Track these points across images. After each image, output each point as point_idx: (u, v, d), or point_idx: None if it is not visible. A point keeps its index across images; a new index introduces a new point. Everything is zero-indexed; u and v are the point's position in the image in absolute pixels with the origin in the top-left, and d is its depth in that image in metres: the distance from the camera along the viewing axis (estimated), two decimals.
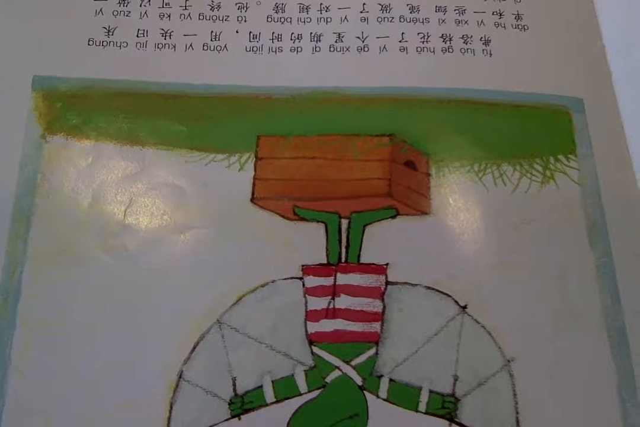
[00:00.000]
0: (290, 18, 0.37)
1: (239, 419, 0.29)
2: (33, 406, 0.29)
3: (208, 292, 0.31)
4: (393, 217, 0.33)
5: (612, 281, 0.32)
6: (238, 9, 0.37)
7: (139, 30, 0.36)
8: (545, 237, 0.33)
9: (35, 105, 0.34)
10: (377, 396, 0.30)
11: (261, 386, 0.30)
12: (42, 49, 0.35)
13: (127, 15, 0.36)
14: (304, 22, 0.37)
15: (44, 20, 0.36)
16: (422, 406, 0.29)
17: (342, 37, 0.36)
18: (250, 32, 0.36)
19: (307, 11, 0.37)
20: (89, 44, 0.36)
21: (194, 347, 0.30)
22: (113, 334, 0.30)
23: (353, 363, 0.30)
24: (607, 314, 0.31)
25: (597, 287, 0.32)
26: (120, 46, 0.36)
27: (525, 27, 0.37)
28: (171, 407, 0.29)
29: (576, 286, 0.32)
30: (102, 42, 0.36)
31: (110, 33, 0.36)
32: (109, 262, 0.31)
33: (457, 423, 0.29)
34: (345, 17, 0.37)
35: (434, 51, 0.36)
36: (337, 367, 0.30)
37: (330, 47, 0.36)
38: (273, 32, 0.36)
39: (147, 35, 0.36)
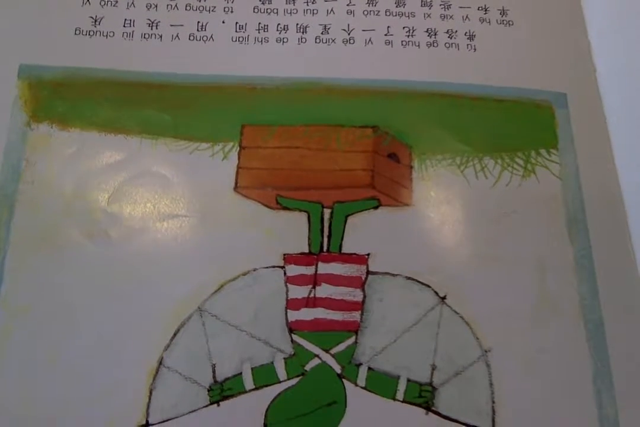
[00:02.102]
0: (277, 9, 0.37)
1: (218, 405, 0.29)
2: (14, 390, 0.29)
3: (190, 280, 0.31)
4: (375, 208, 0.33)
5: (590, 273, 0.32)
6: None
7: (125, 20, 0.36)
8: (525, 230, 0.33)
9: (21, 94, 0.34)
10: (356, 384, 0.30)
11: (240, 373, 0.30)
12: (28, 37, 0.35)
13: (114, 5, 0.36)
14: (290, 13, 0.37)
15: (31, 10, 0.36)
16: (400, 395, 0.30)
17: (328, 29, 0.36)
18: (237, 23, 0.36)
19: (294, 3, 0.37)
20: (75, 34, 0.36)
21: (175, 334, 0.30)
22: (95, 321, 0.30)
23: (332, 351, 0.30)
24: (585, 306, 0.32)
25: (575, 280, 0.32)
26: (106, 36, 0.36)
27: (510, 22, 0.38)
28: (150, 393, 0.29)
29: (555, 278, 0.32)
30: (89, 31, 0.36)
31: (97, 23, 0.36)
32: (91, 249, 0.32)
33: (433, 412, 0.29)
34: (332, 10, 0.37)
35: (418, 45, 0.36)
36: (317, 356, 0.30)
37: (316, 39, 0.36)
38: (259, 23, 0.36)
39: (133, 26, 0.36)
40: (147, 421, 0.29)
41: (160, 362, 0.30)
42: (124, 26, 0.36)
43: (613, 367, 0.30)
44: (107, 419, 0.29)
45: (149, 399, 0.29)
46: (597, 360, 0.31)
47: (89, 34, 0.36)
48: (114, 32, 0.36)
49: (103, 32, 0.36)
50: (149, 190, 0.33)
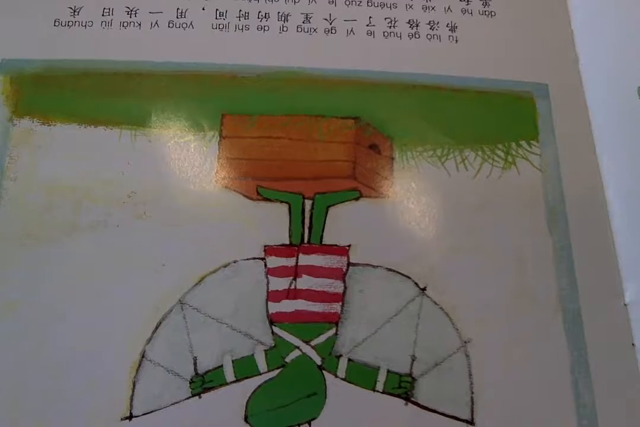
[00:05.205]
0: None
1: (200, 397, 0.29)
2: None
3: (170, 273, 0.31)
4: (356, 199, 0.33)
5: (569, 264, 0.32)
6: None
7: (104, 8, 0.36)
8: (505, 222, 0.33)
9: (3, 89, 0.34)
10: (336, 376, 0.30)
11: (221, 366, 0.30)
12: (9, 32, 0.35)
13: None
14: (272, 1, 0.36)
15: (9, 3, 0.36)
16: (380, 386, 0.30)
17: (310, 18, 0.36)
18: (217, 10, 0.36)
19: None
20: (55, 25, 0.35)
21: (156, 327, 0.30)
22: (77, 315, 0.30)
23: (313, 343, 0.30)
24: (563, 297, 0.32)
25: (554, 271, 0.32)
26: (85, 26, 0.35)
27: (493, 13, 0.38)
28: (134, 386, 0.29)
29: (534, 269, 0.32)
30: (68, 22, 0.35)
31: (76, 13, 0.36)
32: (74, 244, 0.31)
33: (413, 402, 0.30)
34: None
35: (400, 36, 0.36)
36: (297, 347, 0.30)
37: (297, 28, 0.36)
38: (240, 10, 0.36)
39: (112, 14, 0.36)
40: (130, 413, 0.29)
41: (143, 355, 0.30)
42: (103, 15, 0.36)
43: (590, 357, 0.31)
44: (91, 411, 0.29)
45: (132, 391, 0.29)
46: (574, 350, 0.31)
47: (68, 25, 0.35)
48: (92, 22, 0.35)
49: (82, 22, 0.35)
50: (130, 182, 0.33)
